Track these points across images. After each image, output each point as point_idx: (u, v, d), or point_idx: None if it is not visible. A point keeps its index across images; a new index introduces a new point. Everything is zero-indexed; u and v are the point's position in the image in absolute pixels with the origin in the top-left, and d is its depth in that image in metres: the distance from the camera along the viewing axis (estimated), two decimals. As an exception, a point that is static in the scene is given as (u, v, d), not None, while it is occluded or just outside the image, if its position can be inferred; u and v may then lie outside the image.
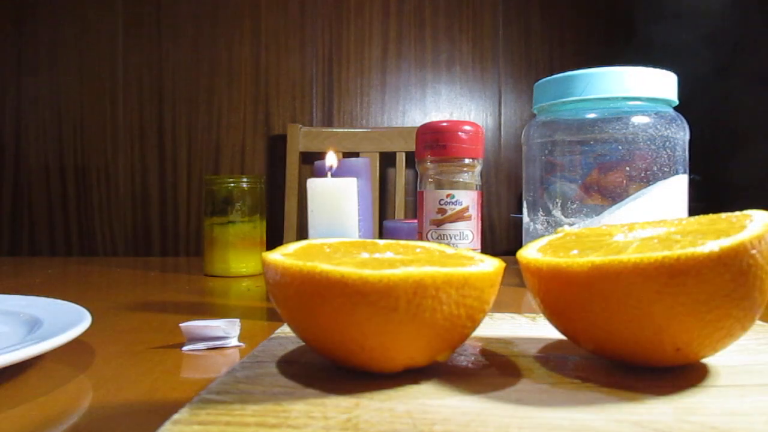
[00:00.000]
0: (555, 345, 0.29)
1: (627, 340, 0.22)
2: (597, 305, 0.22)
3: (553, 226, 0.60)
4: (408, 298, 0.21)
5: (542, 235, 0.63)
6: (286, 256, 0.25)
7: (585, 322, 0.23)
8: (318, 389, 0.22)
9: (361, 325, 0.21)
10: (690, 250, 0.20)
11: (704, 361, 0.25)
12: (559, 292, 0.24)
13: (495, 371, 0.25)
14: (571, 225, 0.26)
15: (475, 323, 0.24)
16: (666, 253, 0.21)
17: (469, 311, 0.23)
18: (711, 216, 0.25)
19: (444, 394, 0.21)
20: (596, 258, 0.22)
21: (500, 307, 0.46)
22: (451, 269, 0.22)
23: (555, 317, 0.25)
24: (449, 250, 0.29)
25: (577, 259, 0.23)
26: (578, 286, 0.22)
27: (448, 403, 0.20)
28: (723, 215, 0.25)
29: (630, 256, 0.21)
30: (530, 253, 0.26)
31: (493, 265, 0.24)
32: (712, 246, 0.20)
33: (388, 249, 0.28)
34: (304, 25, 1.46)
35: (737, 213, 0.24)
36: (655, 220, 0.28)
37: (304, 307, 0.23)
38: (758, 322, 0.34)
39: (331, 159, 0.47)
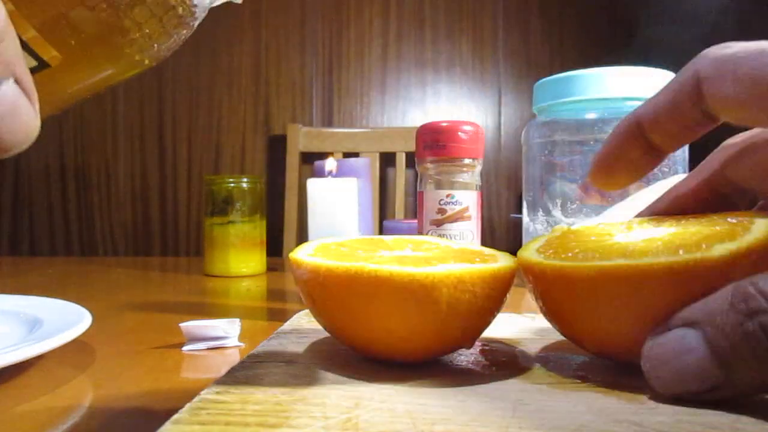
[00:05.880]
0: (555, 345, 0.29)
1: (632, 342, 0.22)
2: (602, 308, 0.22)
3: (553, 226, 0.60)
4: (449, 293, 0.23)
5: (542, 235, 0.63)
6: (322, 257, 0.26)
7: (589, 324, 0.24)
8: (318, 389, 0.22)
9: (405, 320, 0.24)
10: (699, 255, 0.20)
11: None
12: (562, 295, 0.24)
13: (495, 371, 0.25)
14: (570, 224, 0.26)
15: (497, 313, 0.26)
16: (674, 258, 0.20)
17: (495, 303, 0.25)
18: (708, 216, 0.25)
19: (444, 394, 0.21)
20: (603, 261, 0.22)
21: (500, 307, 0.46)
22: (482, 266, 0.24)
23: (557, 319, 0.26)
24: (454, 244, 0.31)
25: (583, 262, 0.23)
26: (584, 289, 0.23)
27: (448, 403, 0.20)
28: (720, 216, 0.24)
29: (639, 261, 0.21)
30: (531, 254, 0.26)
31: (511, 259, 0.27)
32: (721, 251, 0.20)
33: (401, 245, 0.30)
34: (304, 25, 1.46)
35: (736, 215, 0.24)
36: (651, 217, 0.27)
37: (349, 305, 0.24)
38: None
39: (330, 164, 0.47)
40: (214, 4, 0.19)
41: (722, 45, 0.22)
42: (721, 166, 0.25)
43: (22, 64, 0.14)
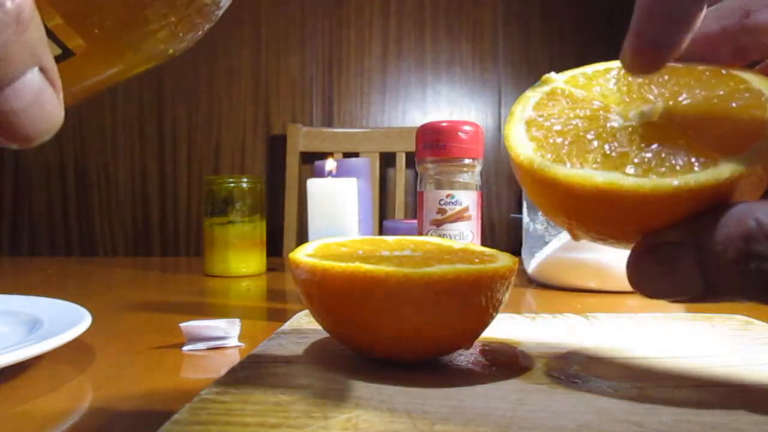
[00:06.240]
0: (555, 345, 0.29)
1: (626, 239, 0.21)
2: (596, 217, 0.21)
3: (553, 226, 0.60)
4: (446, 293, 0.23)
5: (542, 235, 0.63)
6: (318, 257, 0.26)
7: (579, 222, 0.21)
8: (318, 389, 0.22)
9: (401, 319, 0.23)
10: (704, 179, 0.18)
11: (704, 361, 0.25)
12: (554, 200, 0.21)
13: (495, 371, 0.25)
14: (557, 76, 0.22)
15: (495, 313, 0.26)
16: (679, 182, 0.18)
17: (494, 303, 0.25)
18: (712, 87, 0.21)
19: (444, 394, 0.21)
20: (598, 177, 0.19)
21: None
22: (481, 266, 0.24)
23: (545, 211, 0.23)
24: (456, 245, 0.31)
25: (577, 171, 0.20)
26: (578, 201, 0.20)
27: (448, 403, 0.20)
28: (725, 91, 0.21)
29: (640, 182, 0.18)
30: (519, 135, 0.22)
31: (511, 259, 0.26)
32: (731, 171, 0.18)
33: (401, 246, 0.30)
34: (304, 25, 1.46)
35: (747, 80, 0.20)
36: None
37: (345, 305, 0.24)
38: (758, 321, 0.34)
39: (330, 164, 0.48)
40: None
41: None
42: (745, 11, 0.22)
43: (47, 52, 0.14)
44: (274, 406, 0.20)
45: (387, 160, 1.38)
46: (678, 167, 0.19)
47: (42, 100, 0.14)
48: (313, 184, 0.46)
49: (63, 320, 0.35)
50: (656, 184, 0.18)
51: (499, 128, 1.50)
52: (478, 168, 0.42)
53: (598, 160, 0.20)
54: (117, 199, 1.46)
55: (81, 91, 0.18)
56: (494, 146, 1.50)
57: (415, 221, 0.47)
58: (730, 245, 0.17)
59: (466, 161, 0.41)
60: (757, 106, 0.20)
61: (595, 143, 0.21)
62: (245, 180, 0.74)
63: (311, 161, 1.31)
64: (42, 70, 0.14)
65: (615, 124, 0.22)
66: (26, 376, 0.30)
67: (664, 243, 0.19)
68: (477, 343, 0.29)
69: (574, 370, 0.25)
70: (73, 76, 0.16)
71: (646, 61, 0.21)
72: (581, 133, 0.22)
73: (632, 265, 0.20)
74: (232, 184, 0.73)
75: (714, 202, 0.18)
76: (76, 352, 0.34)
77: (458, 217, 0.41)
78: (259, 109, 1.46)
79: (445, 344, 0.25)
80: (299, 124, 1.39)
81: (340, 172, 0.49)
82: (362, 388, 0.22)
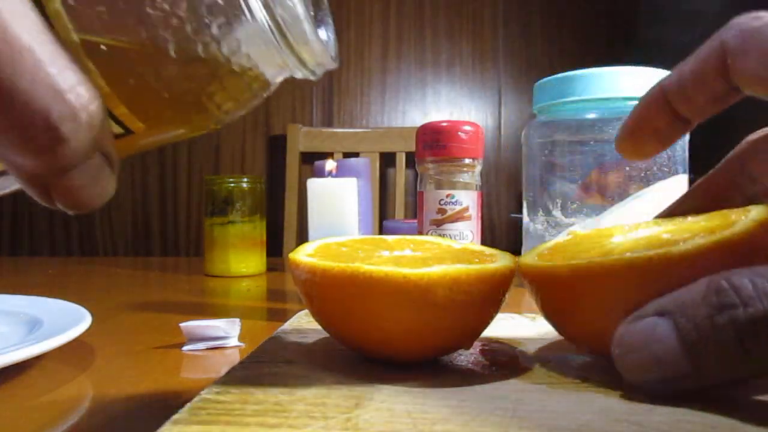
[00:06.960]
0: (555, 345, 0.29)
1: (609, 336, 0.22)
2: (579, 305, 0.23)
3: (553, 226, 0.60)
4: (445, 294, 0.23)
5: (542, 235, 0.63)
6: (318, 257, 0.26)
7: (571, 321, 0.24)
8: (318, 389, 0.22)
9: (401, 320, 0.23)
10: (663, 251, 0.20)
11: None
12: (549, 295, 0.25)
13: (495, 371, 0.25)
14: (583, 228, 0.25)
15: (495, 313, 0.26)
16: (637, 254, 0.21)
17: (494, 303, 0.25)
18: (715, 213, 0.24)
19: (444, 394, 0.21)
20: (577, 261, 0.23)
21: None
22: (480, 266, 0.24)
23: (548, 317, 0.26)
24: (455, 244, 0.31)
25: (559, 262, 0.23)
26: (560, 288, 0.23)
27: (448, 403, 0.20)
28: (725, 212, 0.24)
29: (604, 259, 0.21)
30: (528, 258, 0.26)
31: (511, 259, 0.26)
32: (688, 246, 0.20)
33: (401, 246, 0.30)
34: (304, 25, 1.46)
35: (740, 209, 0.23)
36: (662, 218, 0.27)
37: (345, 305, 0.24)
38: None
39: (330, 165, 0.48)
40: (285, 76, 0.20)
41: (752, 15, 0.21)
42: (742, 163, 0.25)
43: (111, 140, 0.16)
44: (274, 406, 0.20)
45: (387, 160, 1.38)
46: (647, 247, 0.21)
47: (99, 177, 0.16)
48: (313, 184, 0.46)
49: (63, 320, 0.35)
50: (618, 258, 0.21)
51: (499, 128, 1.50)
52: (478, 168, 0.42)
53: (582, 257, 0.23)
54: (117, 199, 1.46)
55: (131, 153, 0.20)
56: (494, 146, 1.50)
57: (415, 221, 0.47)
58: (704, 303, 0.18)
59: (466, 161, 0.41)
60: (742, 212, 0.22)
61: (588, 251, 0.24)
62: (245, 180, 0.74)
63: (311, 161, 1.31)
64: (103, 154, 0.16)
65: (612, 240, 0.25)
66: (26, 376, 0.30)
67: (645, 315, 0.20)
68: (477, 343, 0.29)
69: (574, 370, 0.25)
70: (128, 146, 0.18)
71: (631, 150, 0.26)
72: (579, 249, 0.25)
73: (616, 340, 0.21)
74: (232, 184, 0.73)
75: (687, 275, 0.20)
76: (76, 352, 0.34)
77: (458, 217, 0.41)
78: (259, 109, 1.46)
79: (445, 344, 0.25)
80: (299, 124, 1.39)
81: (340, 172, 0.49)
82: (362, 388, 0.22)
